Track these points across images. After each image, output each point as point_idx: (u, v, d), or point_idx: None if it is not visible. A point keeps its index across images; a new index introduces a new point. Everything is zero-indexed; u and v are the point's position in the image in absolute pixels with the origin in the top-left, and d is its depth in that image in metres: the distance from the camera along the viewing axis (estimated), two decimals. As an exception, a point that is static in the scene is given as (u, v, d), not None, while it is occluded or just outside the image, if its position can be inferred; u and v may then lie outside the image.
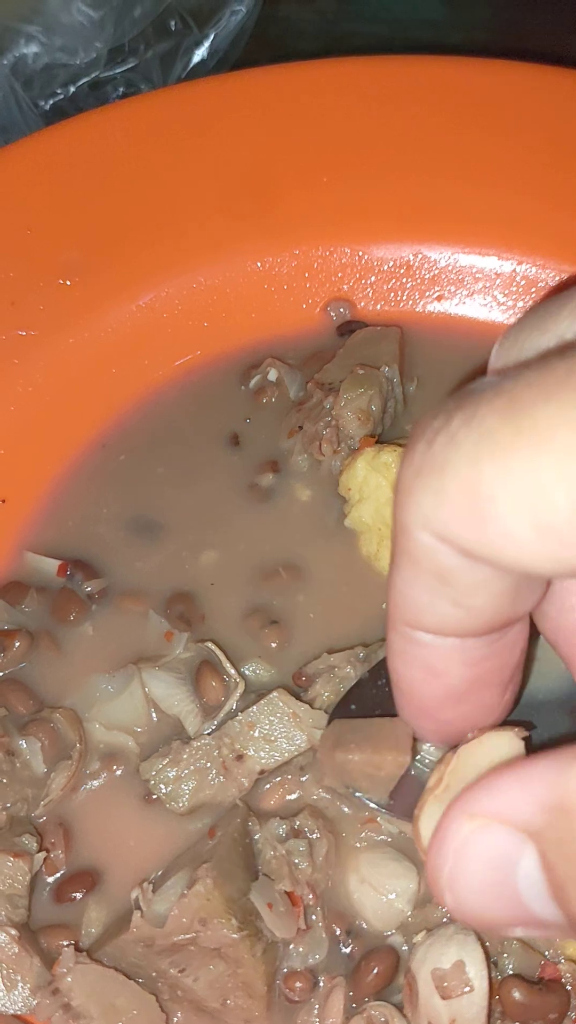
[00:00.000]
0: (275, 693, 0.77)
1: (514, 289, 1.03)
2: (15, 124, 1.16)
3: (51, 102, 1.21)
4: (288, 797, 0.77)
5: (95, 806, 0.78)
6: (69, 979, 0.68)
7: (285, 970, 0.71)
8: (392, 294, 1.04)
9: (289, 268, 1.03)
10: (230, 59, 1.22)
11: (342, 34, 1.33)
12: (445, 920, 0.72)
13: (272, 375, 0.99)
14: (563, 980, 0.69)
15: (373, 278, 1.04)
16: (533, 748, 0.65)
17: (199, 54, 1.20)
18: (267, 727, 0.76)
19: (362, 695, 0.72)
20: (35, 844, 0.75)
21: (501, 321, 1.04)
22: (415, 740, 0.61)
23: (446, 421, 0.39)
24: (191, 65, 1.21)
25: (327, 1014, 0.70)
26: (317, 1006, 0.71)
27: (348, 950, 0.73)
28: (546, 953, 0.71)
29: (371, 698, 0.72)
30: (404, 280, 1.04)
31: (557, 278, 1.02)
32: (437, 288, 1.04)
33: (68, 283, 0.97)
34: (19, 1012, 0.69)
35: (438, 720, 0.53)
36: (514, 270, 1.02)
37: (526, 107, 1.06)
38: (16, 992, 0.69)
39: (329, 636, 0.83)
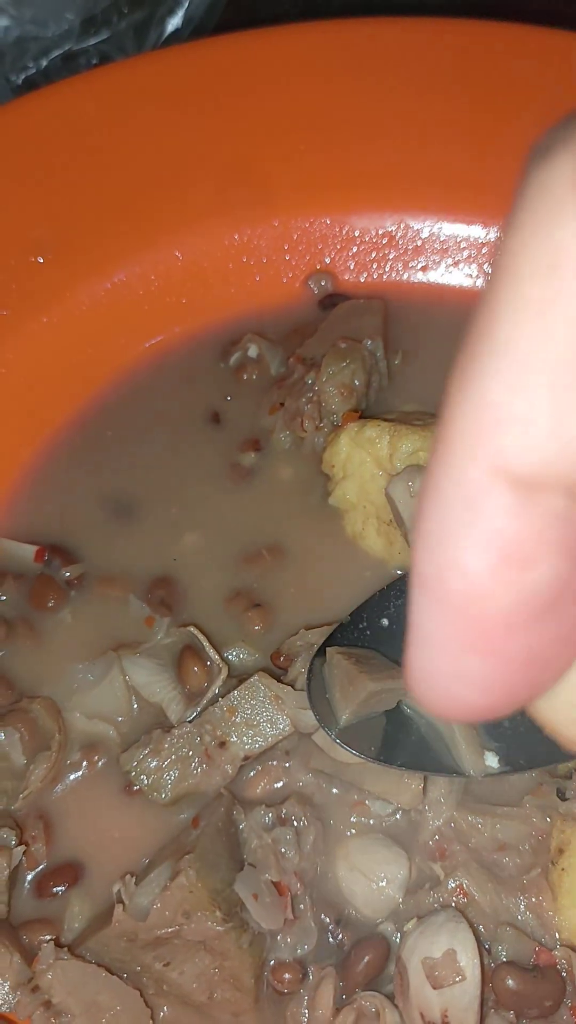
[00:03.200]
0: (255, 676, 0.75)
1: (500, 257, 1.00)
2: (-14, 99, 1.13)
3: (23, 76, 1.17)
4: (274, 784, 0.75)
5: (76, 798, 0.76)
6: (49, 975, 0.66)
7: (273, 961, 0.70)
8: (375, 265, 1.01)
9: (268, 240, 1.00)
10: (206, 27, 1.19)
11: (321, -1, 1.29)
12: (437, 907, 0.70)
13: (252, 351, 0.96)
14: (558, 966, 0.67)
15: (355, 249, 1.01)
16: None
17: (174, 22, 1.17)
18: (249, 712, 0.74)
19: (344, 638, 0.72)
20: (15, 838, 0.73)
21: (488, 291, 1.01)
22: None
23: None
24: (166, 34, 1.18)
25: (317, 1005, 0.68)
26: (307, 997, 0.69)
27: (338, 940, 0.71)
28: (542, 939, 0.69)
29: (352, 641, 0.72)
30: (387, 251, 1.01)
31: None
32: (421, 258, 1.01)
33: (40, 260, 0.95)
34: (-1, 1010, 0.67)
35: (500, 654, 0.34)
36: (499, 237, 0.99)
37: (510, 70, 1.03)
38: (-4, 990, 0.67)
39: (314, 619, 0.81)
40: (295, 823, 0.72)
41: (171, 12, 1.17)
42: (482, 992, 0.65)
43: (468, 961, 0.64)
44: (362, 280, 1.01)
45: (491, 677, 0.34)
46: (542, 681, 0.35)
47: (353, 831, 0.73)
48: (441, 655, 0.34)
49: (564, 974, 0.67)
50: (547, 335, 0.29)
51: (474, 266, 1.01)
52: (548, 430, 0.29)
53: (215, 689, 0.77)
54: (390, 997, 0.67)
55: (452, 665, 0.34)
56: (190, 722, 0.75)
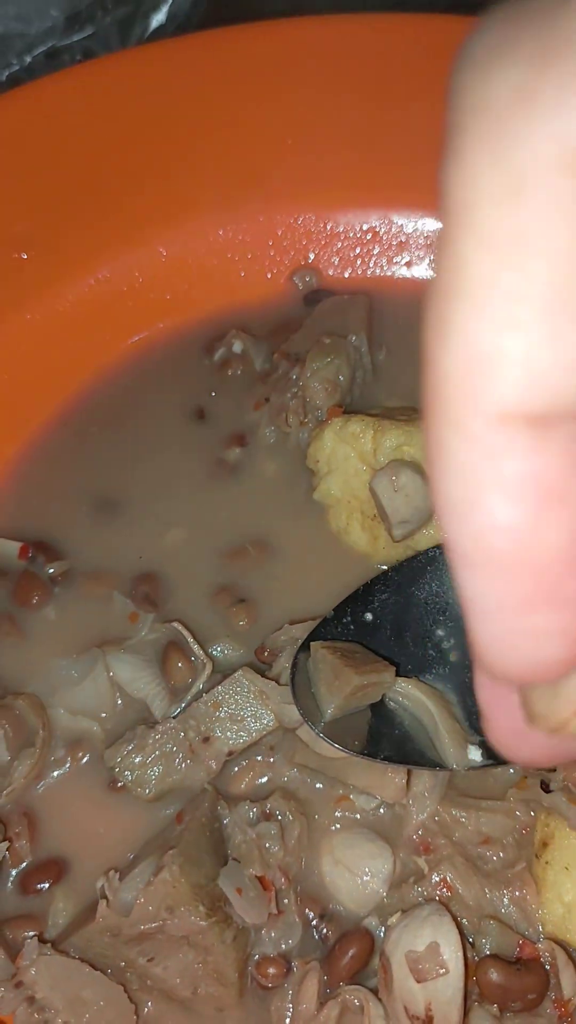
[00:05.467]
0: (239, 672, 0.75)
1: (485, 253, 1.00)
2: (-30, 96, 1.12)
3: (6, 73, 1.17)
4: (259, 780, 0.75)
5: (60, 794, 0.76)
6: (33, 971, 0.66)
7: (257, 956, 0.70)
8: (359, 261, 1.02)
9: (253, 237, 1.00)
10: (190, 23, 1.19)
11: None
12: (421, 901, 0.70)
13: (237, 347, 0.96)
14: (541, 960, 0.67)
15: (340, 245, 1.01)
16: None
17: (158, 18, 1.17)
18: (233, 706, 0.74)
19: (328, 632, 0.73)
20: (-2, 834, 0.73)
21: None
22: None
23: None
24: (150, 30, 1.17)
25: (301, 999, 0.68)
26: (291, 992, 0.69)
27: (322, 934, 0.71)
28: (525, 932, 0.69)
29: (336, 635, 0.73)
30: (371, 246, 1.01)
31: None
32: (406, 254, 1.01)
33: (24, 256, 0.94)
34: (-18, 1006, 0.67)
35: (568, 597, 0.31)
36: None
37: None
38: (-21, 986, 0.67)
39: (299, 614, 0.81)
40: (279, 818, 0.72)
41: (155, 8, 1.17)
42: (465, 985, 0.65)
43: (451, 954, 0.64)
44: (346, 276, 1.01)
45: (567, 624, 0.31)
46: None
47: (337, 826, 0.73)
48: (508, 620, 0.31)
49: (547, 967, 0.67)
50: (528, 265, 0.26)
51: (459, 262, 1.01)
52: (550, 363, 0.27)
53: (199, 685, 0.77)
54: (374, 991, 0.67)
55: (523, 626, 0.31)
56: (174, 718, 0.75)
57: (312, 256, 1.01)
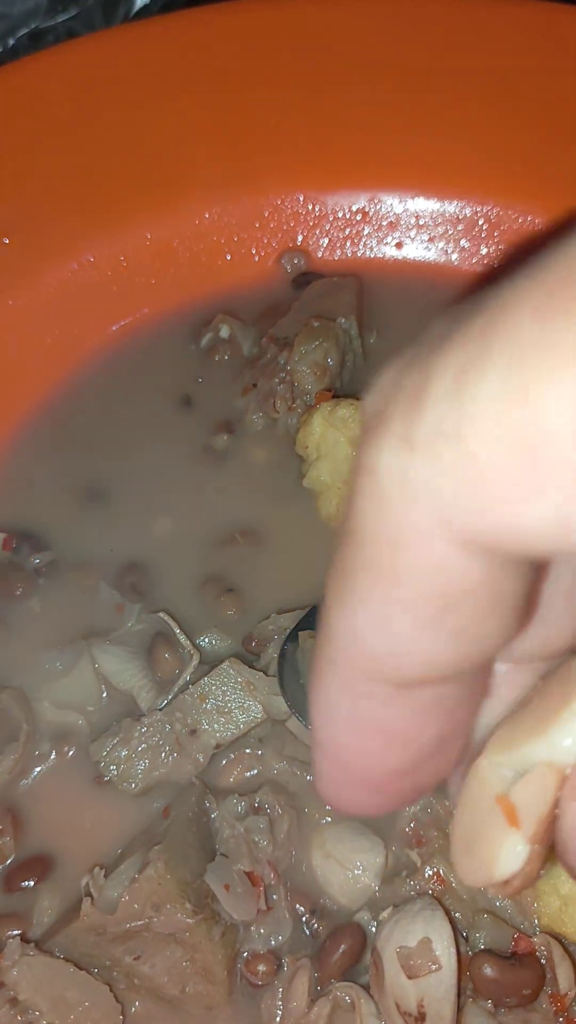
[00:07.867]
0: (227, 662, 0.73)
1: (476, 234, 0.99)
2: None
3: (-11, 55, 1.15)
4: (247, 773, 0.74)
5: (46, 790, 0.75)
6: (15, 972, 0.65)
7: (246, 953, 0.68)
8: (349, 242, 1.00)
9: (239, 219, 0.98)
10: (176, 2, 1.17)
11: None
12: (412, 895, 0.68)
13: (224, 332, 0.94)
14: (537, 954, 0.66)
15: (328, 226, 0.99)
16: None
17: (142, -2, 1.15)
18: (220, 698, 0.72)
19: (316, 622, 0.70)
20: (-19, 831, 0.71)
21: (464, 267, 0.99)
22: None
23: (415, 359, 0.30)
24: (135, 10, 1.15)
25: (291, 997, 0.67)
26: (281, 989, 0.67)
27: (313, 929, 0.69)
28: (520, 926, 0.68)
29: None
30: (361, 227, 0.99)
31: (519, 221, 0.97)
32: (396, 234, 0.99)
33: (6, 241, 0.92)
34: (-36, 1008, 0.65)
35: (384, 795, 0.38)
36: (475, 212, 0.98)
37: (484, 46, 1.01)
38: (-39, 987, 0.65)
39: (288, 604, 0.79)
40: (268, 811, 0.71)
41: (139, -13, 1.15)
42: (459, 981, 0.63)
43: (443, 950, 0.63)
44: (336, 258, 0.99)
45: (375, 804, 0.39)
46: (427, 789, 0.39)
47: (328, 819, 0.71)
48: (331, 785, 0.38)
49: (543, 961, 0.66)
50: (396, 579, 0.31)
51: (450, 242, 0.99)
52: (410, 650, 0.32)
53: (187, 676, 0.75)
54: (366, 988, 0.66)
55: (340, 798, 0.39)
56: (160, 710, 0.74)
57: (300, 238, 0.99)
